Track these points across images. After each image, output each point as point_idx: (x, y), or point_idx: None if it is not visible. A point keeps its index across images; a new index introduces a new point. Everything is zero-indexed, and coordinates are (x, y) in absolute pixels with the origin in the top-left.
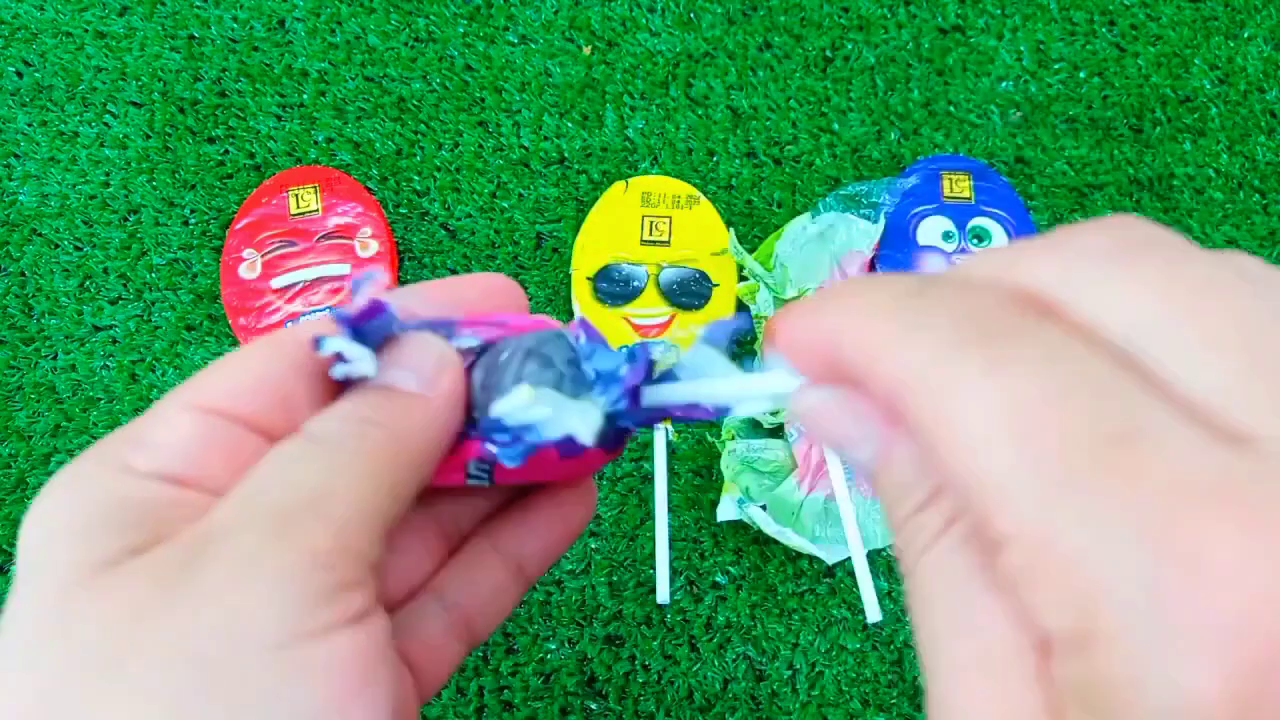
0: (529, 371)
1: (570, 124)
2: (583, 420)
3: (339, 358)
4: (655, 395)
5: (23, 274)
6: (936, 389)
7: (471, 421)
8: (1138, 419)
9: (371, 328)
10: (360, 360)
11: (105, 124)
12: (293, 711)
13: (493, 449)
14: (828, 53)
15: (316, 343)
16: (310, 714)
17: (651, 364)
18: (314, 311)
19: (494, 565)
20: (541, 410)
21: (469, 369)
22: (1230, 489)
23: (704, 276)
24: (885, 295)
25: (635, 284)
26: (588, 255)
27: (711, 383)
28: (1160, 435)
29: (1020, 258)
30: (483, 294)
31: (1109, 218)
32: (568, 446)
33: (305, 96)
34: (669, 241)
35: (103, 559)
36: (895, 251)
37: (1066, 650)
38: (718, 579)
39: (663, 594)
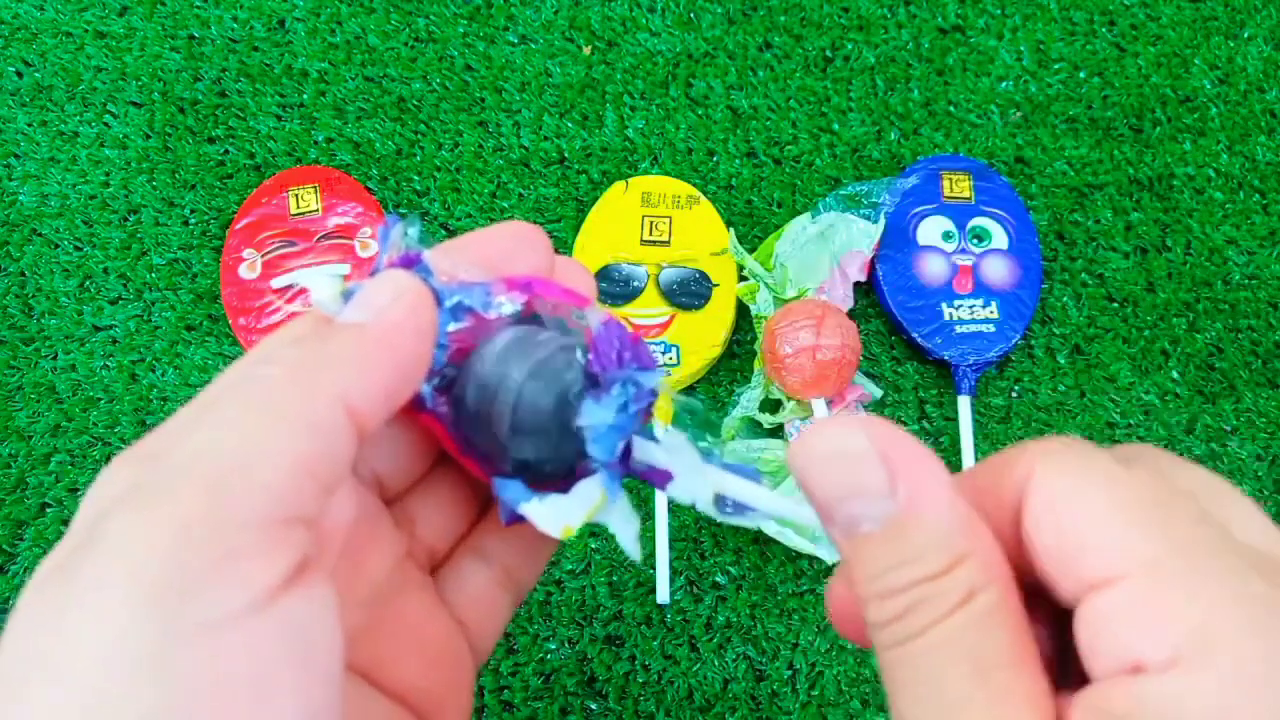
0: (527, 398)
1: (570, 124)
2: (626, 526)
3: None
4: (645, 453)
5: (23, 274)
6: (1076, 464)
7: (468, 440)
8: (1222, 523)
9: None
10: (393, 236)
11: (105, 124)
12: (188, 702)
13: (508, 515)
14: (828, 53)
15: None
16: (209, 704)
17: (650, 404)
18: None
19: None
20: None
21: (468, 352)
22: None
23: (704, 276)
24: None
25: (635, 284)
26: (588, 255)
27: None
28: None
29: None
30: (512, 244)
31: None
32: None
33: (305, 96)
34: (669, 241)
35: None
36: (895, 251)
37: (1170, 668)
38: (718, 579)
39: (663, 594)
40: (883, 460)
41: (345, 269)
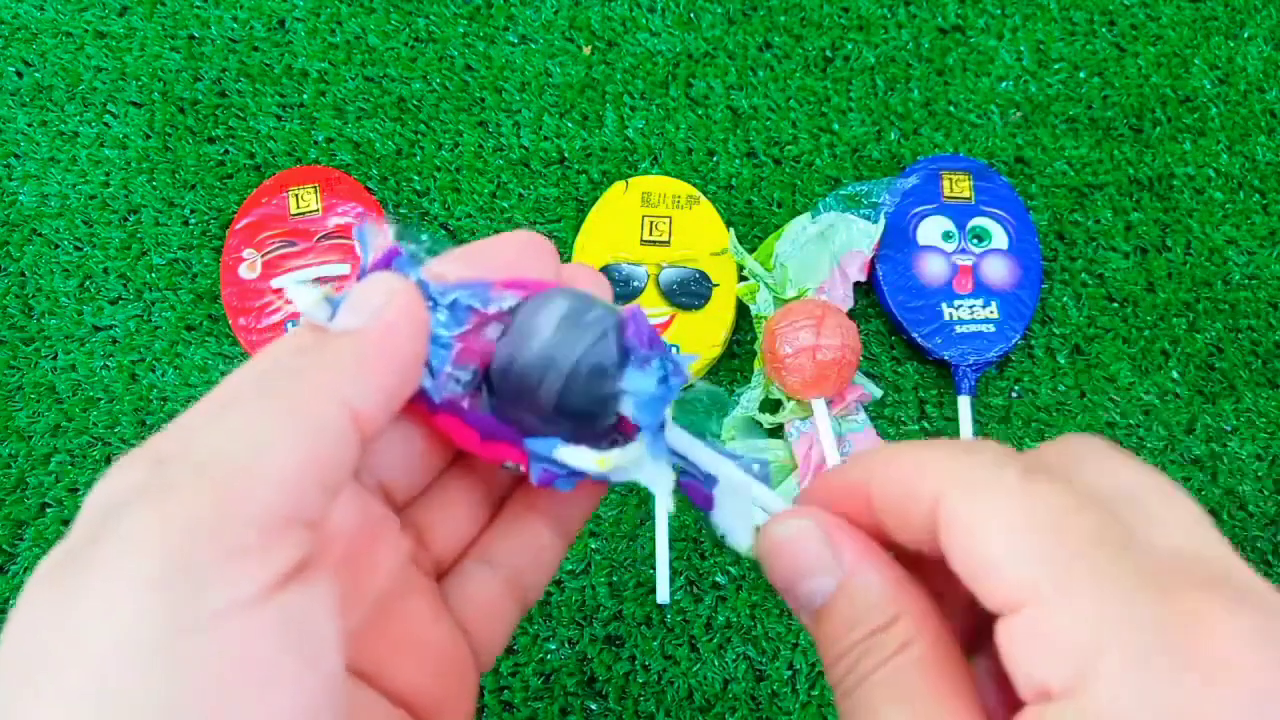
0: (584, 367)
1: (570, 124)
2: (659, 480)
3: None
4: (676, 439)
5: (23, 274)
6: (982, 485)
7: (502, 414)
8: (1129, 534)
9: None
10: (369, 246)
11: (105, 124)
12: (189, 696)
13: (540, 472)
14: (828, 53)
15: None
16: (206, 700)
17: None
18: None
19: (535, 524)
20: (619, 469)
21: (500, 336)
22: (1214, 578)
23: (704, 276)
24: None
25: (635, 284)
26: (588, 255)
27: (726, 464)
28: (1148, 542)
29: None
30: (518, 253)
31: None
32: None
33: (305, 96)
34: (669, 241)
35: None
36: (895, 251)
37: (1063, 696)
38: (718, 579)
39: (663, 594)
40: (827, 540)
41: (339, 270)
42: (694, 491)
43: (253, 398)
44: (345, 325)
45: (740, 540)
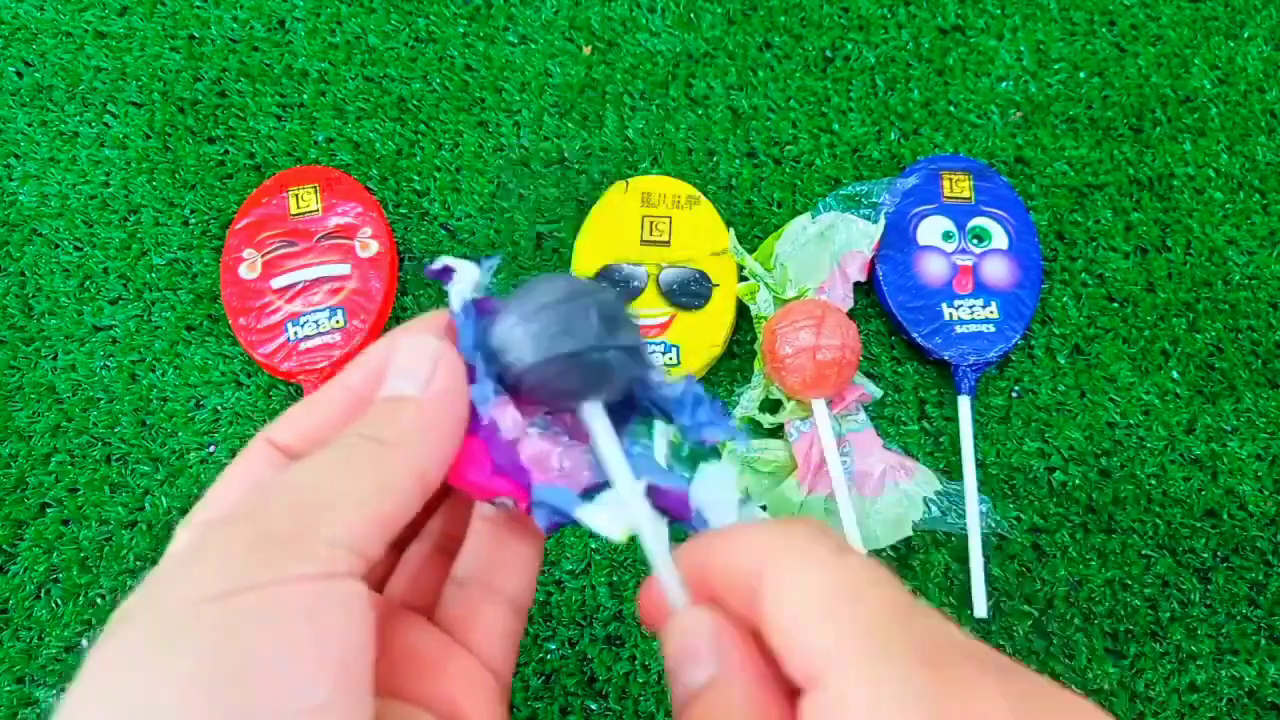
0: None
1: (570, 124)
2: (655, 533)
3: (445, 269)
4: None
5: (23, 274)
6: (795, 555)
7: (503, 451)
8: (914, 607)
9: (483, 318)
10: (460, 280)
11: (105, 124)
12: (239, 652)
13: (547, 521)
14: (828, 53)
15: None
16: (256, 655)
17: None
18: (314, 312)
19: (485, 531)
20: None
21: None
22: (985, 655)
23: (704, 276)
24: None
25: (635, 284)
26: (588, 255)
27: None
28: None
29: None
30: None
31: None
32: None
33: (305, 96)
34: (669, 242)
35: None
36: (895, 251)
37: None
38: None
39: None
40: (714, 637)
41: (339, 269)
42: (668, 498)
43: (342, 461)
44: (401, 390)
45: (723, 524)
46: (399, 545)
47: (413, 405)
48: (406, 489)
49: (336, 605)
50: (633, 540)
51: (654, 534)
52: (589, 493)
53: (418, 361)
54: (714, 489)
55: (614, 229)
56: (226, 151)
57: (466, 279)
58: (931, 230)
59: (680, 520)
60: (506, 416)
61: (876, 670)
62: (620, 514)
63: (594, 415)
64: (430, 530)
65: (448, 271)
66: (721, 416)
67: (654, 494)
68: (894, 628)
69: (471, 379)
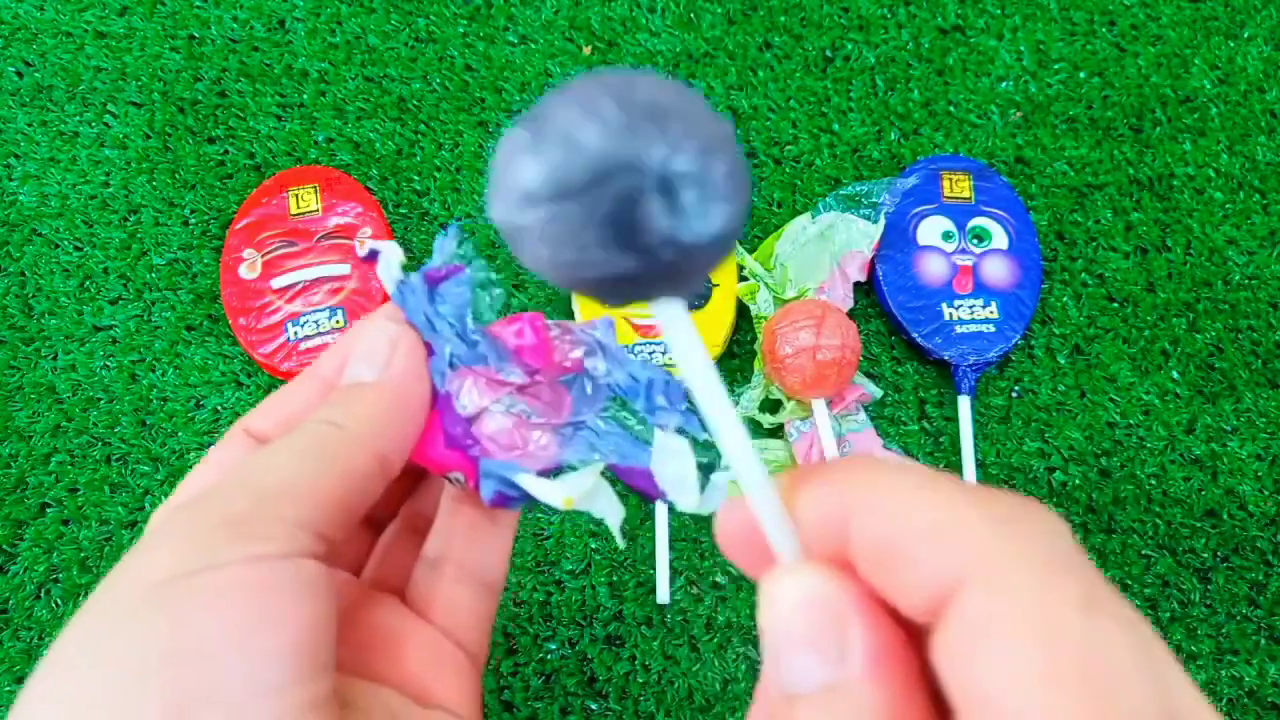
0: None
1: None
2: (612, 511)
3: (371, 254)
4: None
5: (23, 274)
6: (1027, 601)
7: (456, 424)
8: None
9: (446, 286)
10: (384, 263)
11: (105, 124)
12: (192, 635)
13: (493, 493)
14: (828, 53)
15: (372, 254)
16: (209, 637)
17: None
18: (314, 312)
19: (455, 510)
20: (584, 498)
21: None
22: None
23: None
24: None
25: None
26: None
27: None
28: None
29: None
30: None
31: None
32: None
33: (305, 96)
34: None
35: None
36: (895, 251)
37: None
38: (718, 579)
39: (663, 594)
40: (841, 621)
41: (339, 269)
42: (634, 476)
43: (302, 446)
44: (360, 375)
45: (685, 501)
46: (376, 527)
47: (371, 390)
48: (365, 472)
49: (293, 585)
50: (633, 540)
51: (750, 462)
52: (550, 473)
53: (376, 346)
54: (669, 463)
55: None
56: (226, 151)
57: (393, 259)
58: (931, 230)
59: (651, 499)
60: (464, 391)
61: (1038, 570)
62: (569, 484)
63: (668, 319)
64: (403, 513)
65: (375, 255)
66: (678, 399)
67: (619, 473)
68: (1025, 525)
69: (431, 354)
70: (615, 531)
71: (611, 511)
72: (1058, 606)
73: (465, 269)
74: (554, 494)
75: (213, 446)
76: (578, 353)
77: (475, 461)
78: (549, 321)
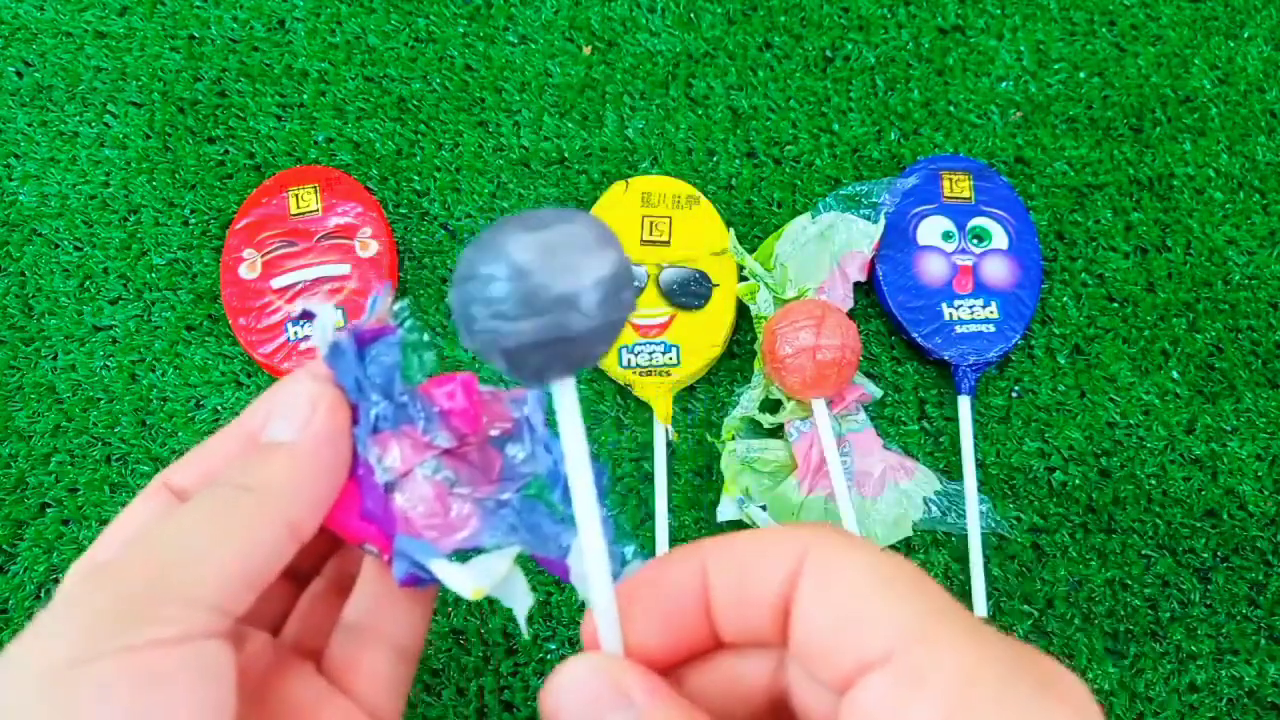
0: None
1: (570, 124)
2: (522, 601)
3: (305, 314)
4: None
5: (23, 274)
6: (848, 543)
7: (374, 496)
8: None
9: (376, 347)
10: (319, 325)
11: (105, 124)
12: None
13: (405, 573)
14: (828, 53)
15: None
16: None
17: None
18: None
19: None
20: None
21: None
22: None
23: (704, 276)
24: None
25: (635, 284)
26: None
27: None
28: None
29: None
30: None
31: None
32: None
33: (305, 96)
34: (669, 241)
35: None
36: (895, 251)
37: None
38: None
39: None
40: (613, 678)
41: (338, 269)
42: (551, 565)
43: (207, 512)
44: (277, 435)
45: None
46: (300, 580)
47: (285, 451)
48: (274, 540)
49: (191, 670)
50: (632, 539)
51: (598, 556)
52: (462, 553)
53: (296, 405)
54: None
55: (614, 229)
56: (226, 151)
57: (326, 322)
58: (931, 230)
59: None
60: (389, 452)
61: (962, 640)
62: (481, 571)
63: (558, 398)
64: (328, 569)
65: (308, 315)
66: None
67: (536, 558)
68: (957, 607)
69: (355, 419)
70: (522, 622)
71: (521, 601)
72: (870, 550)
73: (397, 329)
74: (464, 583)
75: (136, 496)
76: (507, 424)
77: (390, 537)
78: (481, 387)
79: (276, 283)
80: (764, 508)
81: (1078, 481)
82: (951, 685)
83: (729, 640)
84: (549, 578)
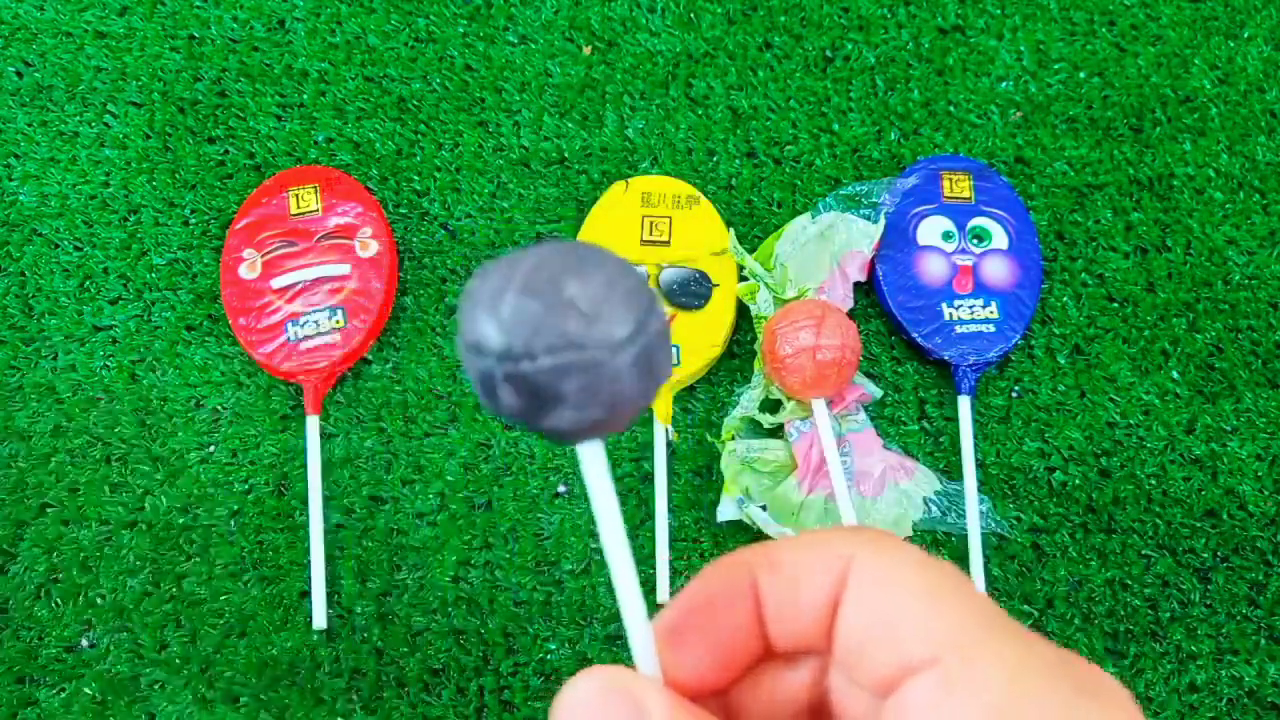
0: None
1: (570, 124)
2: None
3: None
4: None
5: (23, 274)
6: (893, 548)
7: None
8: None
9: None
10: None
11: (105, 124)
12: None
13: None
14: (828, 53)
15: None
16: None
17: None
18: (314, 312)
19: None
20: None
21: None
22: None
23: (704, 276)
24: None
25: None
26: None
27: None
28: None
29: None
30: None
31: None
32: None
33: (305, 96)
34: (669, 241)
35: None
36: (895, 251)
37: None
38: None
39: (663, 594)
40: (628, 692)
41: (338, 269)
42: None
43: None
44: None
45: None
46: None
47: None
48: None
49: None
50: (633, 540)
51: (632, 591)
52: None
53: None
54: None
55: (614, 229)
56: (226, 151)
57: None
58: (931, 230)
59: None
60: None
61: (1008, 645)
62: None
63: (586, 458)
64: None
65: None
66: None
67: None
68: (1003, 615)
69: None
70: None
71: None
72: (917, 554)
73: None
74: None
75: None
76: None
77: None
78: None
79: (276, 283)
80: (764, 508)
81: (1078, 481)
82: (996, 689)
83: (779, 649)
84: (548, 579)
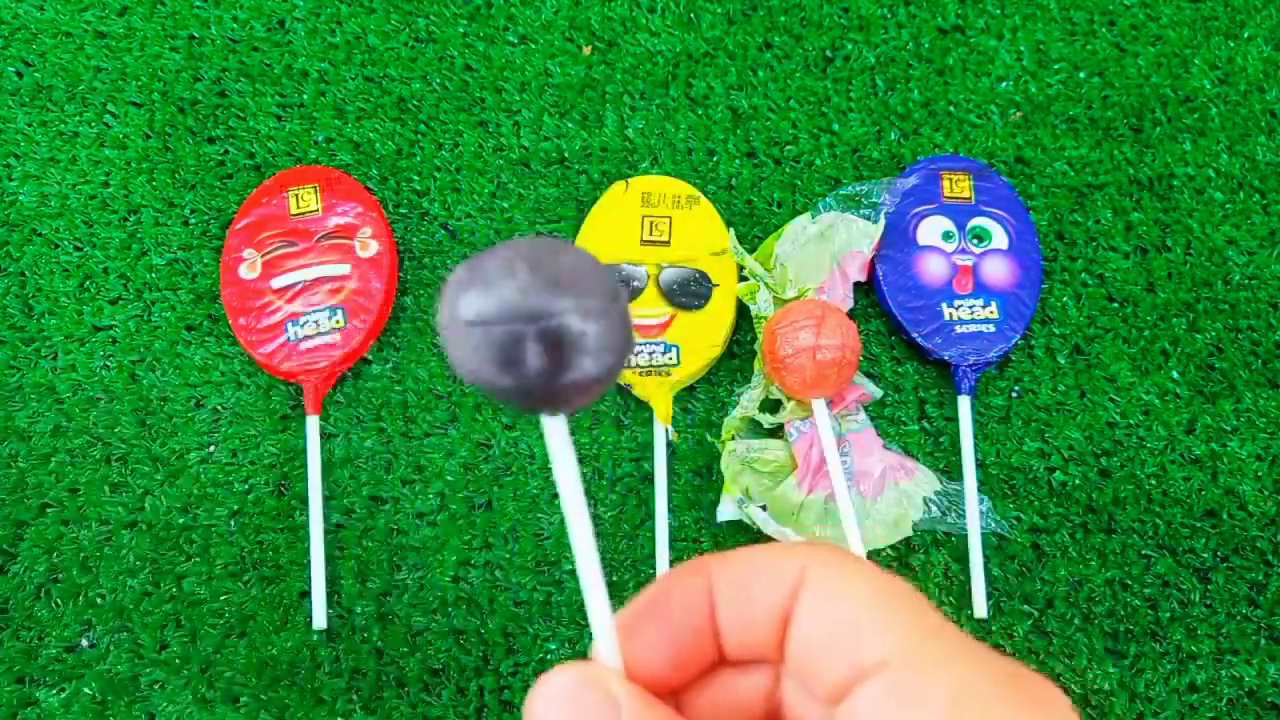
0: None
1: (570, 124)
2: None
3: None
4: None
5: (23, 274)
6: (844, 560)
7: None
8: None
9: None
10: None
11: (105, 124)
12: None
13: None
14: (828, 53)
15: None
16: None
17: None
18: (314, 312)
19: None
20: None
21: None
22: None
23: (704, 276)
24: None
25: (635, 284)
26: None
27: None
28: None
29: None
30: None
31: None
32: None
33: (305, 96)
34: (669, 241)
35: None
36: (895, 251)
37: None
38: None
39: None
40: (599, 684)
41: (338, 269)
42: None
43: None
44: None
45: None
46: None
47: None
48: None
49: None
50: (633, 539)
51: (593, 575)
52: None
53: None
54: None
55: (614, 229)
56: (226, 151)
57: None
58: (931, 230)
59: None
60: None
61: (957, 655)
62: None
63: (549, 431)
64: None
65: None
66: None
67: None
68: (953, 626)
69: None
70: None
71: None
72: (868, 567)
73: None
74: None
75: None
76: None
77: None
78: None
79: (276, 283)
80: (764, 508)
81: (1078, 481)
82: (944, 698)
83: (732, 656)
84: (548, 579)
